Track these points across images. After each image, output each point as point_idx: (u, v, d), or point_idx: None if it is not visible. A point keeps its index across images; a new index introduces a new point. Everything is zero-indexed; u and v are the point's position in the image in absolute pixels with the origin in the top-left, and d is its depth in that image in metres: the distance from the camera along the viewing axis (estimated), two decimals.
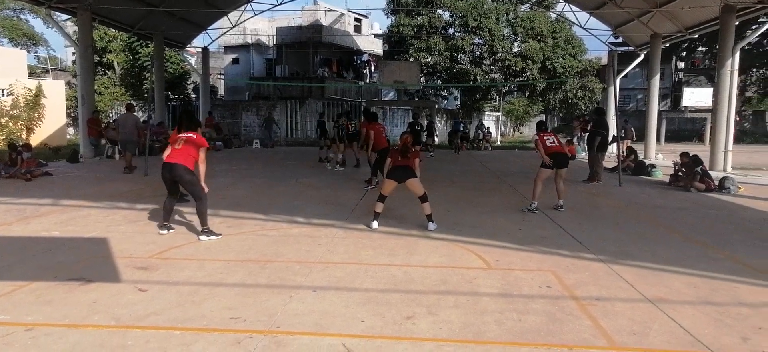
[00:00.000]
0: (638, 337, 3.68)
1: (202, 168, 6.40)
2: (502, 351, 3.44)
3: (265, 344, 3.48)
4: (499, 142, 31.78)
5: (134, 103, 17.01)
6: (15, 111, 20.58)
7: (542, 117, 39.83)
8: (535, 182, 8.63)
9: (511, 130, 39.79)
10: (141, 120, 13.96)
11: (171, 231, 6.59)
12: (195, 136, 6.39)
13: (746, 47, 24.19)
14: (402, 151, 7.13)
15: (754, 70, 38.36)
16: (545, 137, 8.73)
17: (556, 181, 8.67)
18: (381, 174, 9.29)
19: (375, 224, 7.05)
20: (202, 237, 6.28)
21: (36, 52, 42.79)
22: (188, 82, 34.02)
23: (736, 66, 15.49)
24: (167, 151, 6.45)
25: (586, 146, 13.51)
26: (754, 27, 23.00)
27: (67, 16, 19.90)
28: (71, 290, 4.45)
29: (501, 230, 7.05)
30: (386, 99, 35.35)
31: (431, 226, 6.97)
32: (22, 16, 40.98)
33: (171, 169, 6.29)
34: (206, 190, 6.44)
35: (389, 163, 7.25)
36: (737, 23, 15.95)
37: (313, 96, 29.60)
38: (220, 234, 6.43)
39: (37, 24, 44.40)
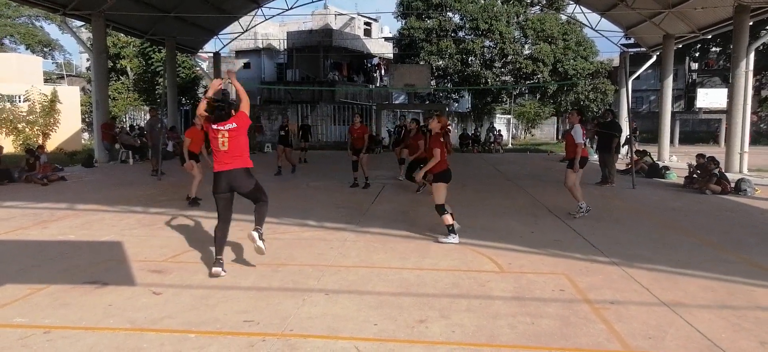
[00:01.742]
0: (653, 341, 3.64)
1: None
2: None
3: (278, 348, 3.49)
4: (510, 145, 31.66)
5: (154, 107, 17.00)
6: (31, 117, 20.90)
7: (554, 118, 39.62)
8: (573, 189, 7.98)
9: (523, 132, 39.62)
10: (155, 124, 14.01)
11: (224, 273, 5.05)
12: (236, 126, 4.94)
13: (761, 48, 23.88)
14: (445, 136, 6.42)
15: None
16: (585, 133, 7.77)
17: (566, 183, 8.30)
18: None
19: (455, 239, 6.36)
20: (254, 233, 5.04)
21: (52, 57, 43.50)
22: (200, 87, 34.32)
23: (751, 66, 15.30)
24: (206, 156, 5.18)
25: (596, 148, 13.40)
26: None
27: (82, 23, 20.20)
28: (87, 293, 4.51)
29: (513, 233, 7.02)
30: (397, 102, 35.39)
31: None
32: (37, 23, 41.62)
33: (229, 177, 4.95)
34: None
35: (439, 160, 6.25)
36: (751, 23, 15.75)
37: (324, 100, 29.71)
38: (263, 253, 5.18)
39: (52, 30, 45.13)
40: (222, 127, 4.92)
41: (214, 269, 4.99)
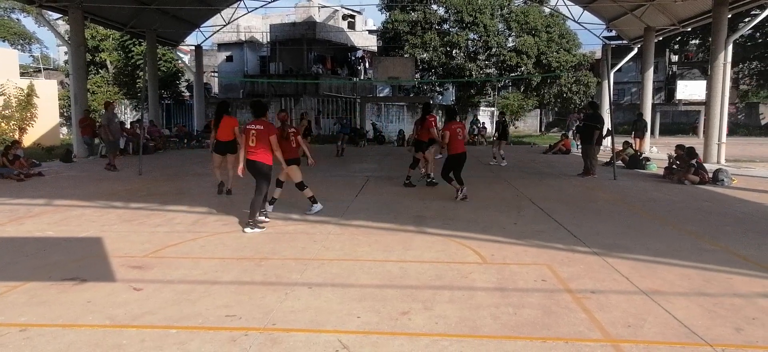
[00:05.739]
0: (633, 329, 3.70)
1: (278, 155, 6.82)
2: (498, 345, 3.45)
3: (260, 342, 3.47)
4: (494, 137, 31.83)
5: (110, 101, 16.20)
6: (7, 111, 20.41)
7: (537, 111, 39.90)
8: (426, 159, 10.64)
9: None
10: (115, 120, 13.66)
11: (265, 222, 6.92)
12: (262, 128, 6.56)
13: (739, 40, 24.28)
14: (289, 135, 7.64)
15: (749, 62, 38.51)
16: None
17: (428, 159, 10.60)
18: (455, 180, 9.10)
19: (270, 209, 7.67)
20: (247, 230, 6.51)
21: (30, 50, 42.55)
22: (181, 80, 33.87)
23: (730, 58, 15.56)
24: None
25: (580, 140, 13.54)
26: (746, 20, 23.10)
27: (59, 15, 19.76)
28: (66, 290, 4.43)
29: (496, 225, 7.06)
30: (381, 95, 35.34)
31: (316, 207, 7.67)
32: (12, 16, 40.61)
33: (253, 165, 6.62)
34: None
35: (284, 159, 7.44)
36: (730, 16, 16.01)
37: (308, 93, 29.54)
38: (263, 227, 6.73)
39: (28, 23, 44.11)
40: (252, 127, 6.58)
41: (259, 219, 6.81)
